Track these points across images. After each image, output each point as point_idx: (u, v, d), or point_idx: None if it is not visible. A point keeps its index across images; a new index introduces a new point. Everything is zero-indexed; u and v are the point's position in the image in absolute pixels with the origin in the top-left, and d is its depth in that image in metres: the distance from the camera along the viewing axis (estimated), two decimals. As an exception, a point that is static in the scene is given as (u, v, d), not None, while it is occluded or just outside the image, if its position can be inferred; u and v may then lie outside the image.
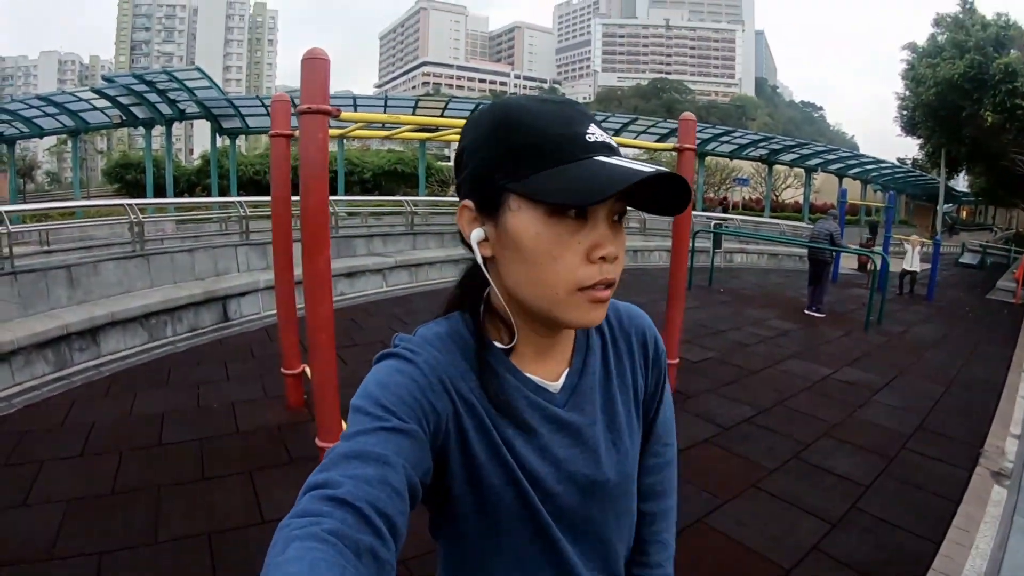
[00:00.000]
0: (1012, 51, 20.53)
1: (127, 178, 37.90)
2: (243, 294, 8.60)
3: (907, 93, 25.55)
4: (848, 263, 18.86)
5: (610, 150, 0.74)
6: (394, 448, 0.68)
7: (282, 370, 5.13)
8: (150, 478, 3.84)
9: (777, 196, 45.98)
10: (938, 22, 23.87)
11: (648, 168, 0.68)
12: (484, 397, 0.81)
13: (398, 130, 5.20)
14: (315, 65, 3.31)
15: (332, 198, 12.95)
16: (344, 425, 3.90)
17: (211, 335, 7.71)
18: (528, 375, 0.86)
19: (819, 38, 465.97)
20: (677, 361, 5.76)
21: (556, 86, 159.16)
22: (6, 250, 6.63)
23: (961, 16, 22.87)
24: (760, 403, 5.72)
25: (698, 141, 28.85)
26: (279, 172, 4.77)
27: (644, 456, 1.02)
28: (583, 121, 0.75)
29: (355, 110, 23.50)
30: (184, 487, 3.76)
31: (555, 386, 0.87)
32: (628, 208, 0.78)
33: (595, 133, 0.74)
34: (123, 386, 5.73)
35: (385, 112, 22.36)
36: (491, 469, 0.81)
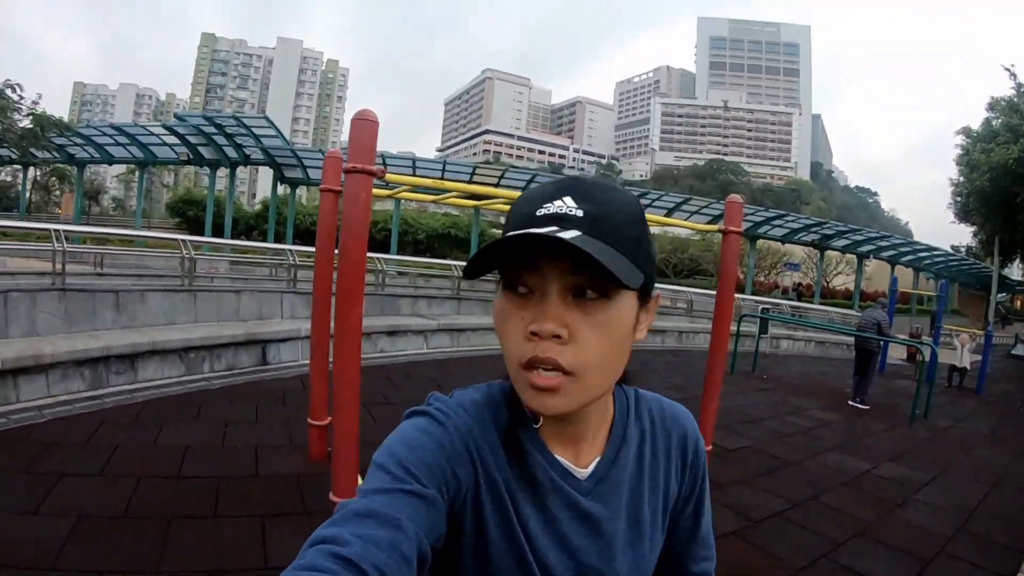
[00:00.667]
0: None
1: (188, 214, 39.25)
2: (284, 340, 8.72)
3: (961, 179, 25.34)
4: (897, 353, 18.38)
5: (556, 220, 0.72)
6: (409, 513, 0.66)
7: (309, 420, 5.13)
8: (163, 508, 3.87)
9: (828, 282, 45.24)
10: (992, 106, 23.78)
11: (541, 231, 0.67)
12: (508, 472, 0.80)
13: (446, 195, 5.28)
14: (364, 127, 3.41)
15: (382, 256, 13.26)
16: (360, 482, 3.88)
17: (247, 376, 7.81)
18: (557, 457, 0.84)
19: (876, 123, 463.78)
20: (710, 448, 5.61)
21: (614, 162, 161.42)
22: (59, 267, 6.90)
23: (1016, 99, 22.82)
24: (794, 497, 5.50)
25: (750, 224, 28.88)
26: (325, 225, 4.88)
27: (684, 562, 1.02)
28: (553, 196, 0.74)
29: (414, 172, 24.18)
30: (195, 521, 3.76)
31: (583, 473, 0.85)
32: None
33: (552, 207, 0.73)
34: (153, 414, 5.84)
35: (443, 176, 22.84)
36: (502, 547, 0.79)
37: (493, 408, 0.83)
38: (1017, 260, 34.53)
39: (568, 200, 0.73)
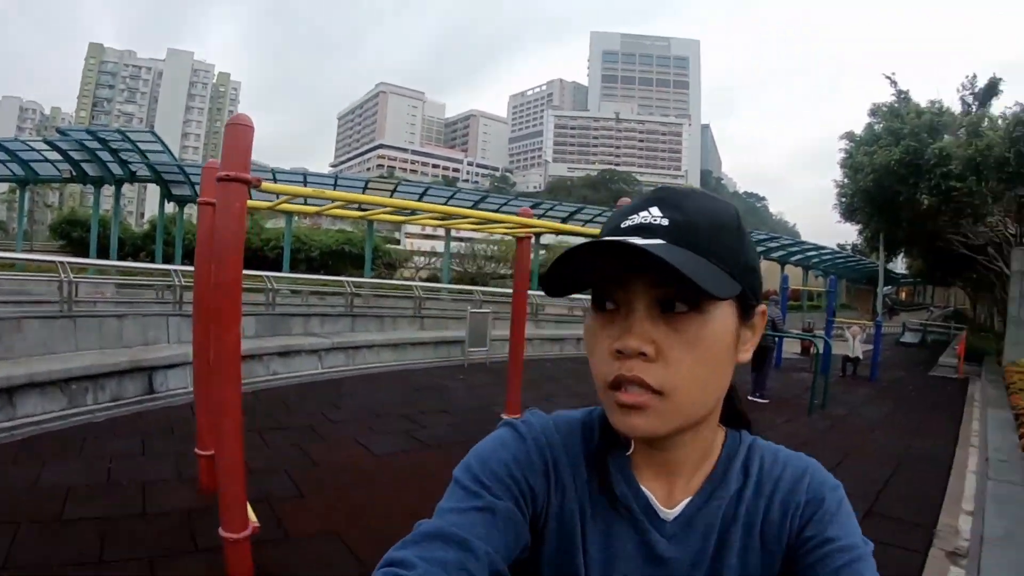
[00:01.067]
0: (946, 136, 21.61)
1: (73, 235, 36.85)
2: (171, 366, 8.25)
3: (845, 180, 26.47)
4: (791, 348, 19.15)
5: (640, 231, 0.68)
6: (481, 532, 0.65)
7: (196, 451, 4.84)
8: (45, 556, 3.58)
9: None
10: (874, 112, 25.07)
11: (626, 240, 0.62)
12: (586, 497, 0.77)
13: (326, 207, 5.08)
14: (238, 132, 3.23)
15: (274, 274, 12.88)
16: (252, 515, 3.67)
17: (133, 407, 7.38)
18: (644, 489, 0.77)
19: (763, 133, 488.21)
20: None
21: (508, 174, 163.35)
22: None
23: (896, 105, 24.03)
24: None
25: (644, 231, 29.38)
26: (204, 241, 4.63)
27: None
28: (640, 207, 0.71)
29: (305, 187, 23.54)
30: (80, 569, 3.48)
31: (669, 513, 0.76)
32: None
33: (637, 218, 0.70)
34: (33, 453, 5.49)
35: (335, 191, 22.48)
36: (557, 573, 0.75)
37: (588, 429, 0.81)
38: (901, 254, 36.62)
39: (654, 210, 0.69)
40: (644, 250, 0.59)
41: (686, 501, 0.77)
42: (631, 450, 0.78)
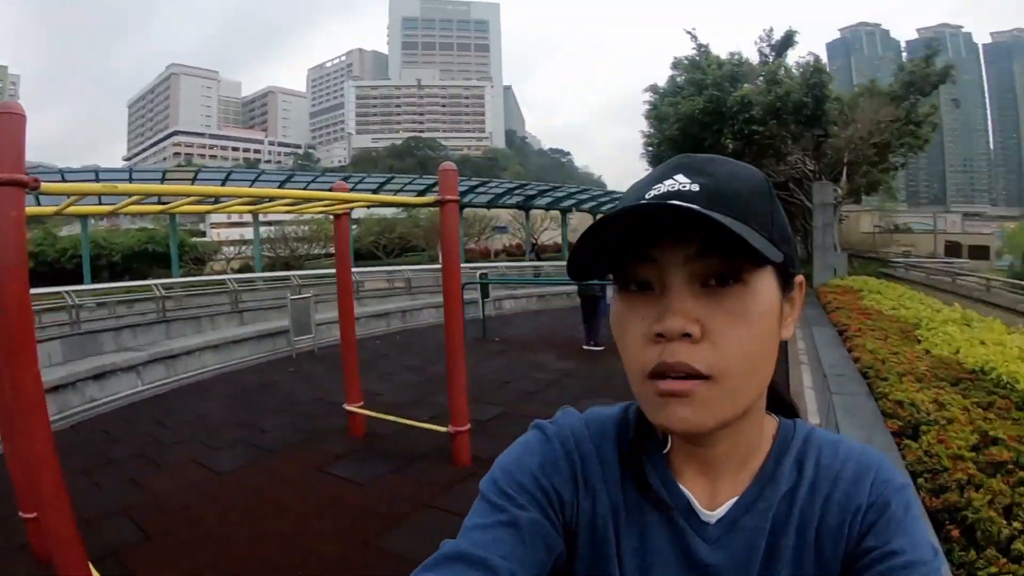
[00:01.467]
0: (746, 85, 23.40)
1: None
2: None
3: (651, 131, 27.90)
4: (611, 294, 19.95)
5: (668, 199, 0.60)
6: (504, 549, 0.61)
7: (20, 514, 4.00)
8: None
9: (537, 240, 48.14)
10: (676, 65, 26.50)
11: (671, 203, 0.56)
12: (620, 498, 0.70)
13: (122, 204, 4.43)
14: (7, 123, 2.62)
15: (74, 288, 11.45)
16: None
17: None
18: (683, 489, 0.69)
19: (564, 91, 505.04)
20: (467, 427, 5.47)
21: (311, 151, 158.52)
22: None
23: (697, 58, 25.61)
24: None
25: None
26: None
27: None
28: (662, 176, 0.64)
29: (97, 184, 21.25)
30: None
31: (711, 515, 0.68)
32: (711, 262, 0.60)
33: (662, 187, 0.63)
34: None
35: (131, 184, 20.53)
36: None
37: (623, 427, 0.74)
38: None
39: (680, 177, 0.63)
40: (696, 211, 0.53)
41: (731, 502, 0.68)
42: (668, 447, 0.71)
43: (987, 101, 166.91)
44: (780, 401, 0.76)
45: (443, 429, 5.52)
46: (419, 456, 5.80)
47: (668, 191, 0.61)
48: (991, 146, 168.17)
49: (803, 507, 0.67)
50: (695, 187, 0.61)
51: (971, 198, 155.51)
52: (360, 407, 6.42)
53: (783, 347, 0.77)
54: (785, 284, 0.65)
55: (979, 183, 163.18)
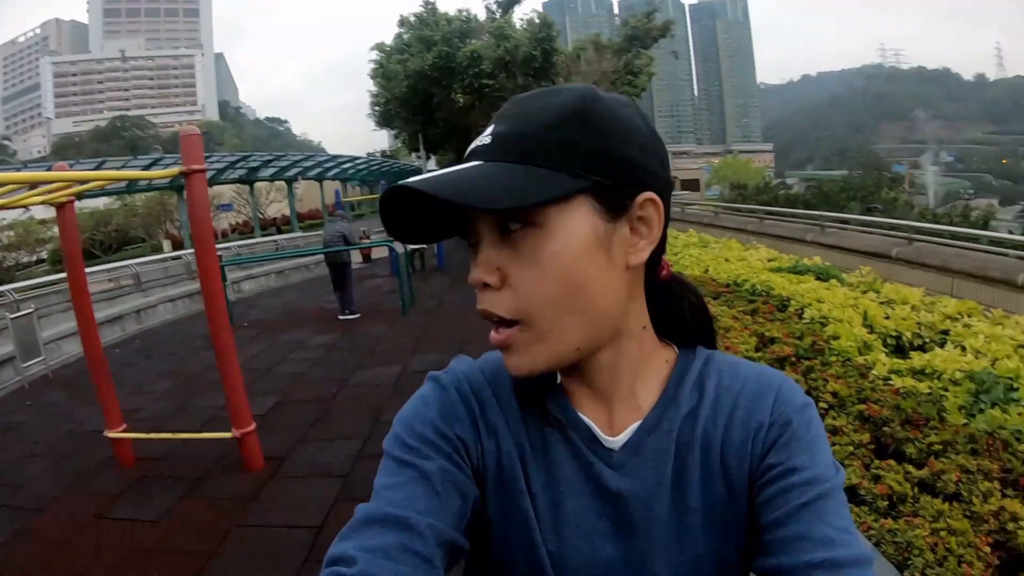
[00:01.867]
0: (475, 40, 24.16)
1: None
2: None
3: (379, 90, 27.84)
4: (354, 258, 19.55)
5: (471, 157, 0.63)
6: (421, 504, 0.60)
7: None
8: None
9: (263, 214, 45.76)
10: (403, 23, 26.53)
11: (405, 183, 0.57)
12: (522, 436, 0.70)
13: None
14: None
15: None
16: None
17: None
18: (583, 417, 0.70)
19: (281, 57, 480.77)
20: (253, 427, 4.85)
21: (6, 142, 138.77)
22: None
23: (425, 15, 25.71)
24: (362, 430, 5.33)
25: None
26: None
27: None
28: (484, 129, 0.65)
29: None
30: None
31: (615, 441, 0.69)
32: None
33: (474, 143, 0.65)
34: None
35: None
36: (506, 527, 0.68)
37: None
38: (441, 153, 39.90)
39: (490, 128, 0.64)
40: (411, 187, 0.56)
41: (634, 426, 0.69)
42: (559, 379, 0.71)
43: (691, 54, 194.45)
44: (686, 327, 0.76)
45: (227, 435, 4.76)
46: (206, 471, 4.88)
47: (472, 148, 0.64)
48: (695, 93, 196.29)
49: (706, 426, 0.68)
50: (488, 139, 0.62)
51: (678, 139, 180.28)
52: (124, 431, 5.33)
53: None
54: (614, 207, 0.62)
55: (685, 126, 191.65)
